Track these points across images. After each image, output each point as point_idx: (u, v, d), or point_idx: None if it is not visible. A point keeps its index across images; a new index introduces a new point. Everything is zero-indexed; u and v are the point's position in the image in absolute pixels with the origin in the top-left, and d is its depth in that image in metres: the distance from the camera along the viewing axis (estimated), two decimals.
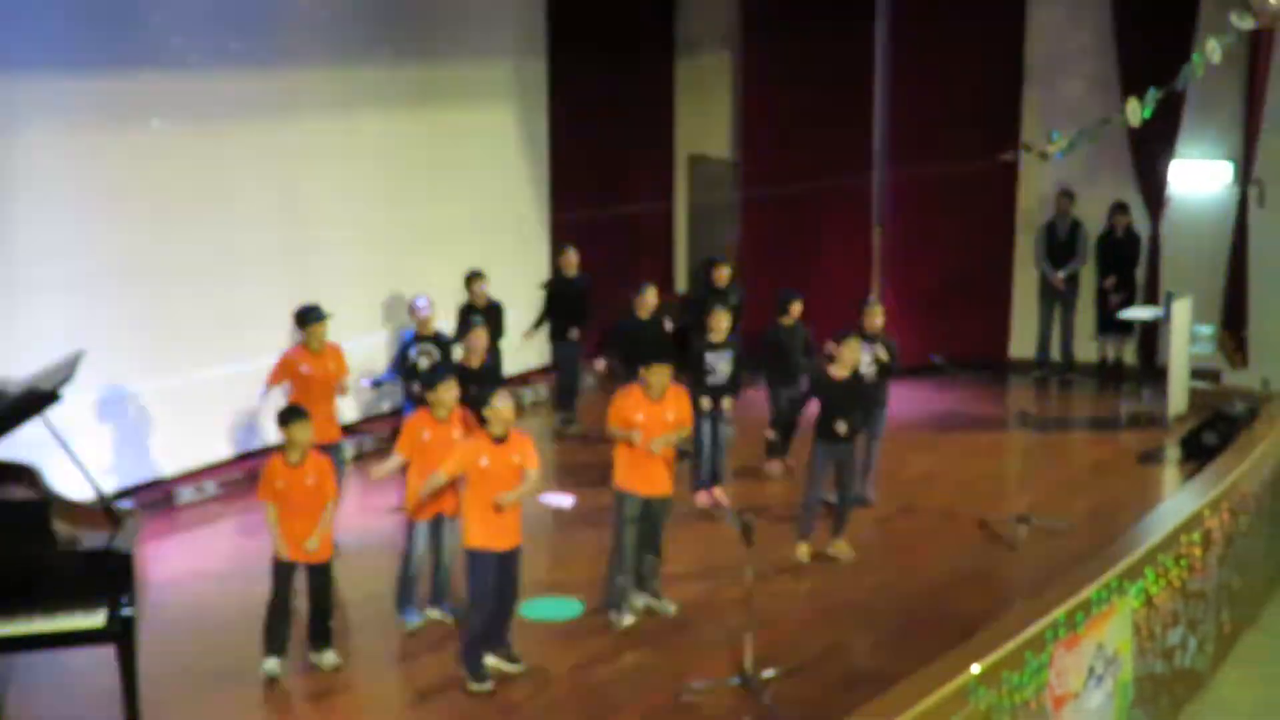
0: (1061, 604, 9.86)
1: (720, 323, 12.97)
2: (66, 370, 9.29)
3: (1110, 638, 10.38)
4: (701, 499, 12.84)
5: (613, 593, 10.71)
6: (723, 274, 14.94)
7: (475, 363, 12.45)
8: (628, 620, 10.61)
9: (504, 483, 9.61)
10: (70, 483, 9.63)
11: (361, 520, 12.77)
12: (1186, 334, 15.32)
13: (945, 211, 17.34)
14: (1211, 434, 13.99)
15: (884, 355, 12.72)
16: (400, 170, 15.61)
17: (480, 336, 12.50)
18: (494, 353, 13.60)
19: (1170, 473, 14.01)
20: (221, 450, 13.94)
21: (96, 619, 8.59)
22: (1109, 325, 16.75)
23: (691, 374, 12.82)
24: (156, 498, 13.21)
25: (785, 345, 13.66)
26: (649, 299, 14.12)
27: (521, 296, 16.19)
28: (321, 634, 10.07)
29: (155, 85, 13.10)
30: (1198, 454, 13.92)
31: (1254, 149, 16.03)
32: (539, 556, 11.47)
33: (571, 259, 15.42)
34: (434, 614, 10.77)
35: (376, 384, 13.78)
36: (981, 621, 10.01)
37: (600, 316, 15.43)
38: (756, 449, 13.97)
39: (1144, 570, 10.85)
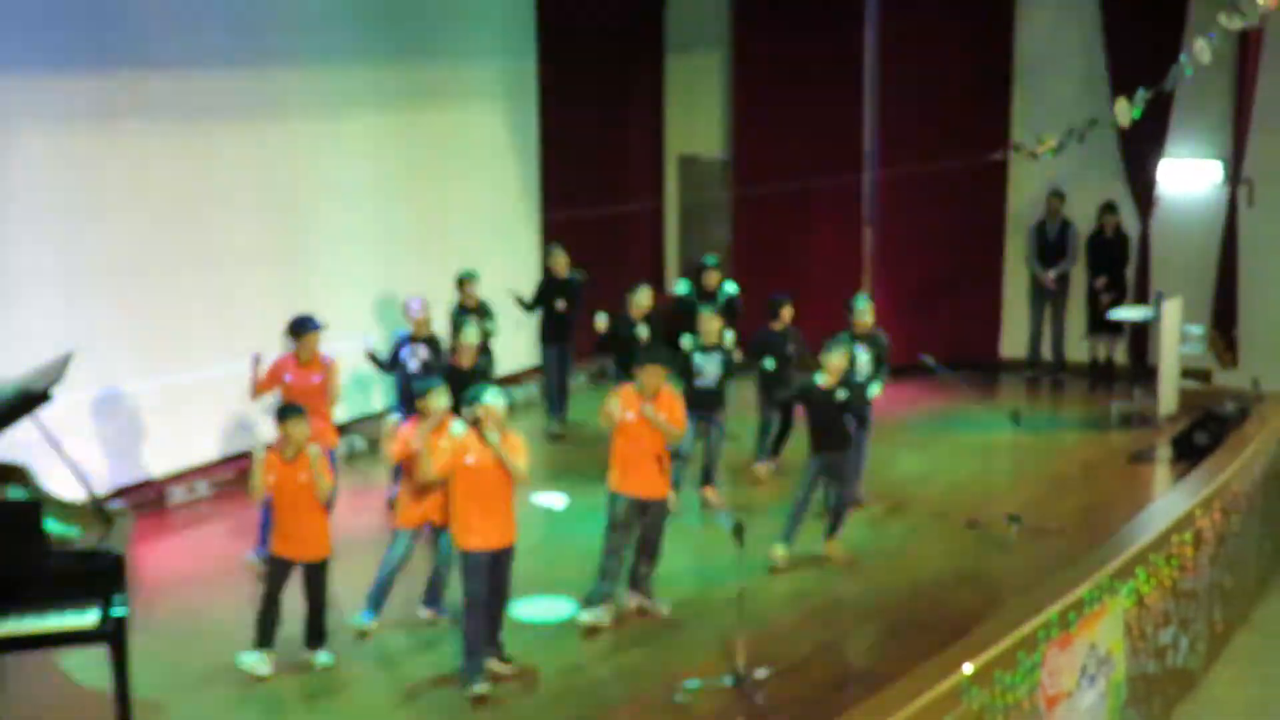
0: (1053, 603, 9.88)
1: (710, 326, 12.98)
2: (57, 370, 9.28)
3: (1102, 637, 10.41)
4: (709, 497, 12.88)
5: (593, 591, 10.70)
6: (713, 277, 14.95)
7: (466, 363, 12.46)
8: (598, 616, 10.58)
9: (492, 480, 9.59)
10: (62, 483, 9.62)
11: (354, 520, 12.75)
12: (1177, 333, 15.34)
13: (936, 211, 17.36)
14: (1202, 433, 14.01)
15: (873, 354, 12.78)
16: (390, 170, 15.60)
17: (471, 337, 12.52)
18: (486, 354, 13.60)
19: (1161, 472, 14.03)
20: (213, 451, 13.93)
21: (89, 619, 8.58)
22: (1100, 325, 16.77)
23: (683, 376, 12.84)
24: (148, 498, 13.19)
25: (775, 349, 13.66)
26: (642, 300, 14.12)
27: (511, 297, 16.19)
28: (316, 633, 10.07)
29: (145, 84, 13.08)
30: (1189, 453, 13.94)
31: (1243, 148, 16.07)
32: (530, 557, 11.43)
33: (560, 259, 15.40)
34: (426, 614, 10.77)
35: (372, 354, 13.49)
36: (974, 621, 10.03)
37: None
38: (747, 450, 13.99)
39: (1135, 570, 10.88)
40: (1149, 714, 11.28)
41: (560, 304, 15.21)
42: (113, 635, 8.61)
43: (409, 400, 11.65)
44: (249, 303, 13.89)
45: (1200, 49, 12.93)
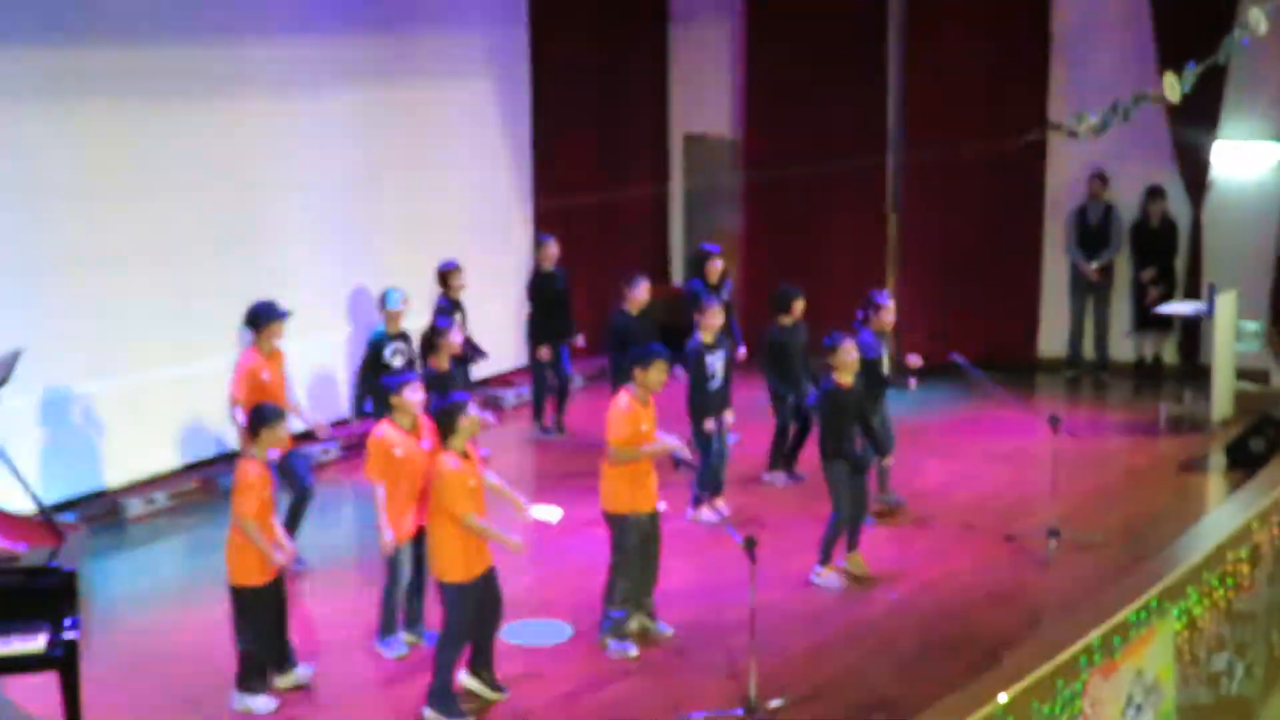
0: (1096, 626, 9.86)
1: (714, 321, 12.98)
2: (3, 370, 9.28)
3: (1150, 663, 10.40)
4: (704, 514, 12.84)
5: (613, 622, 10.68)
6: (715, 267, 14.95)
7: (444, 365, 12.43)
8: (633, 652, 10.59)
9: (480, 502, 9.70)
10: (7, 493, 9.61)
11: (325, 536, 12.75)
12: (1231, 330, 15.35)
13: (966, 196, 17.36)
14: (1259, 440, 14.01)
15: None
16: (366, 152, 15.59)
17: (455, 335, 12.54)
18: (464, 357, 13.59)
19: (1215, 482, 14.05)
20: (173, 459, 13.93)
21: (36, 644, 8.57)
22: (1147, 321, 16.78)
23: (692, 379, 12.85)
24: (102, 510, 13.19)
25: (788, 347, 13.66)
26: (641, 293, 14.12)
27: (500, 291, 16.19)
28: (286, 652, 10.08)
29: (95, 59, 13.06)
30: (1244, 461, 13.94)
31: None
32: (521, 575, 11.48)
33: (551, 252, 15.39)
34: (409, 638, 10.77)
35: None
36: (1008, 645, 10.04)
37: (590, 313, 15.43)
38: (757, 458, 14.00)
39: (1186, 589, 10.86)
40: None
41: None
42: (63, 661, 8.60)
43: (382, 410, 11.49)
44: (208, 297, 13.85)
45: (1256, 18, 12.93)
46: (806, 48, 17.59)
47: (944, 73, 17.23)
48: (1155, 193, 16.71)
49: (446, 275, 14.51)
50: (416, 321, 13.60)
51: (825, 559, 11.76)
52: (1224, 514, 12.23)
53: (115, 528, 13.16)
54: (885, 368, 12.88)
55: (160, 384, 13.63)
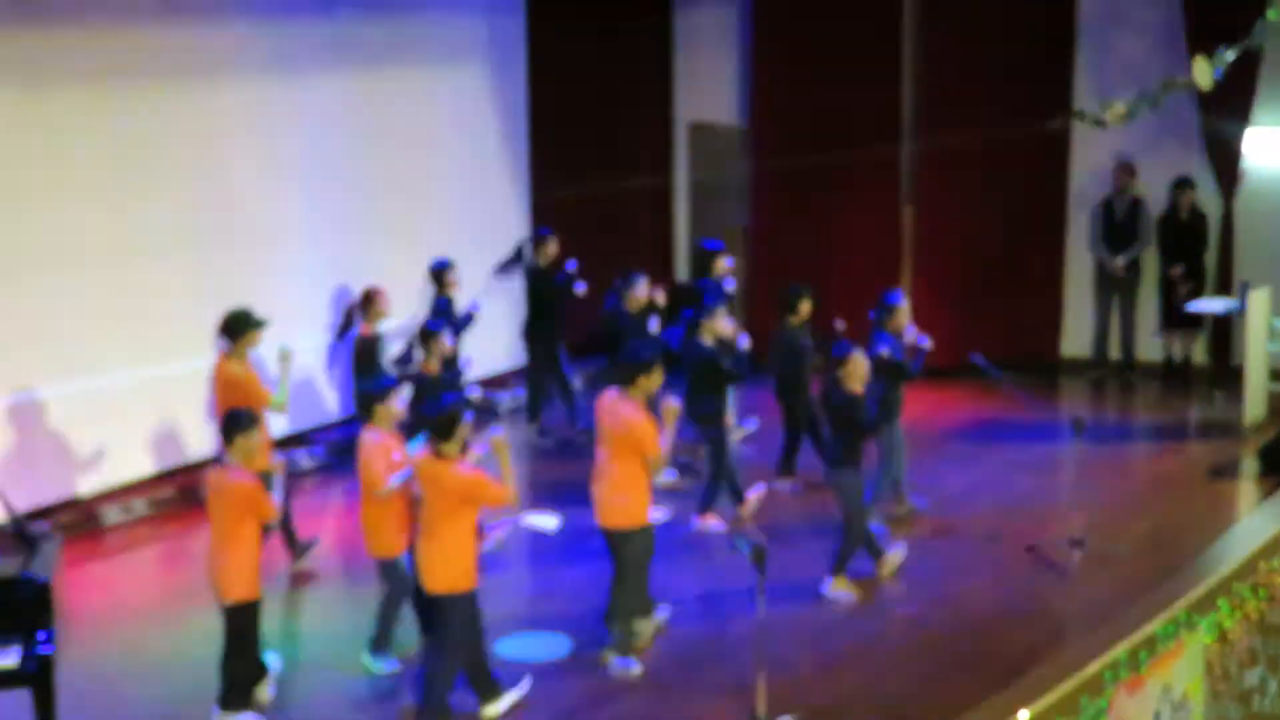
0: (1122, 640, 9.90)
1: (719, 323, 13.03)
2: None
3: (1178, 679, 10.43)
4: (710, 523, 12.88)
5: (624, 639, 10.69)
6: (720, 263, 14.97)
7: (435, 369, 12.49)
8: (636, 671, 10.61)
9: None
10: None
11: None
12: (1265, 329, 15.37)
13: (986, 187, 17.37)
14: None
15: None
16: (351, 142, 15.60)
17: (448, 339, 12.61)
18: (455, 359, 13.64)
19: (1246, 489, 14.06)
20: (149, 465, 13.96)
21: (9, 658, 8.62)
22: (1175, 319, 16.79)
23: (694, 382, 12.89)
24: (77, 519, 13.22)
25: (797, 349, 13.69)
26: (639, 291, 14.15)
27: (495, 289, 16.22)
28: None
29: (61, 40, 13.02)
30: (1277, 467, 13.96)
31: None
32: (517, 587, 11.52)
33: (550, 249, 15.42)
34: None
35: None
36: (1030, 660, 10.07)
37: (590, 311, 15.45)
38: (765, 465, 14.04)
39: (1217, 601, 10.90)
40: None
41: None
42: (37, 676, 8.64)
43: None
44: (185, 296, 13.88)
45: None
46: (817, 31, 17.59)
47: (962, 57, 17.24)
48: (1184, 184, 16.72)
49: (440, 274, 14.54)
50: (397, 323, 13.67)
51: (837, 570, 11.79)
52: (1256, 522, 12.27)
53: (91, 537, 13.18)
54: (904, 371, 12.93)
55: (137, 387, 13.65)
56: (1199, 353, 17.11)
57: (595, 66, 17.87)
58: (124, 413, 13.63)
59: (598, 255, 16.37)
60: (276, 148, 14.88)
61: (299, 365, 14.30)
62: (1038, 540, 12.73)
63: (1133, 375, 17.28)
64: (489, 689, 9.92)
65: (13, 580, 8.75)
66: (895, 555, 12.02)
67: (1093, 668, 9.59)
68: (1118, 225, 17.05)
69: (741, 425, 14.59)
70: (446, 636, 9.74)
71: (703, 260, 15.22)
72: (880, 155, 17.39)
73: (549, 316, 15.41)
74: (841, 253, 17.57)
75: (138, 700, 10.22)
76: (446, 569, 9.68)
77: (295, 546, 12.25)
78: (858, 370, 11.66)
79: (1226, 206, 16.75)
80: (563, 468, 14.67)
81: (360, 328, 13.67)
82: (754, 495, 13.15)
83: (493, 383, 16.72)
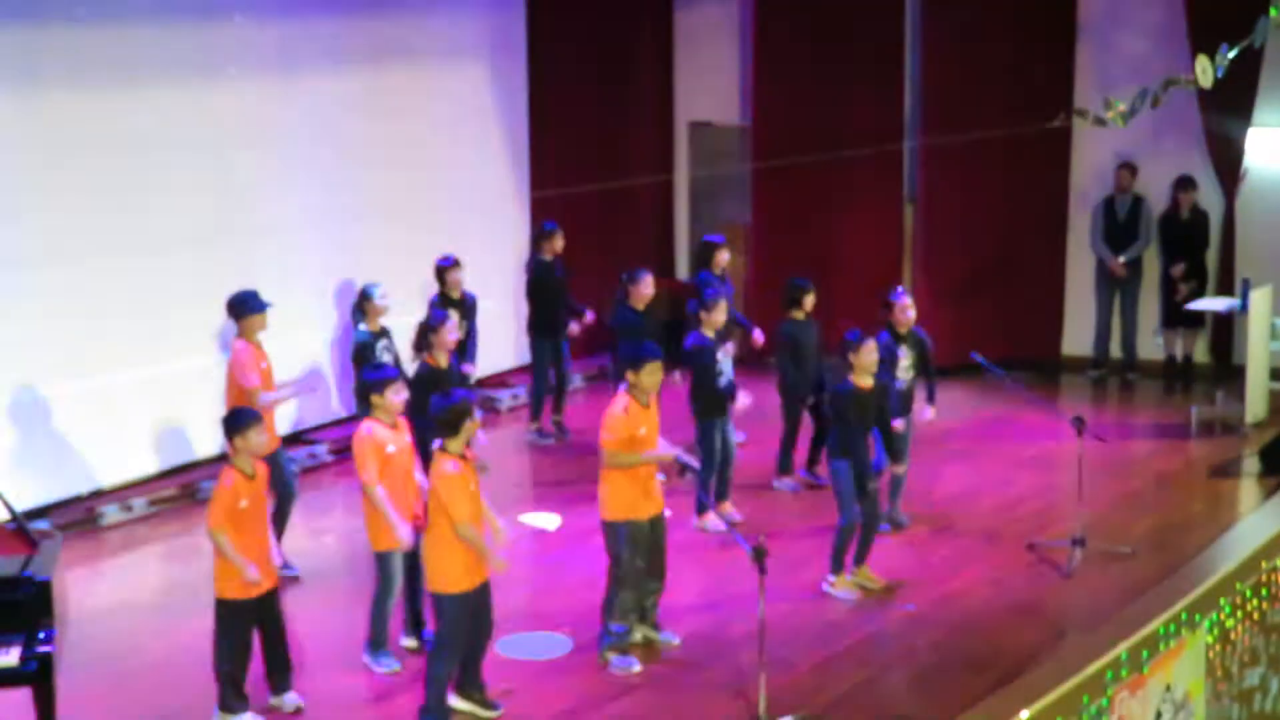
0: (1123, 640, 9.90)
1: (720, 317, 13.04)
2: None
3: (1179, 678, 10.43)
4: (710, 521, 12.87)
5: (615, 637, 10.70)
6: (722, 258, 14.96)
7: (441, 362, 12.48)
8: (635, 668, 10.61)
9: (479, 507, 9.74)
10: None
11: (311, 543, 12.80)
12: (1266, 328, 15.36)
13: (987, 186, 17.37)
14: None
15: (915, 357, 12.82)
16: (354, 139, 15.60)
17: (452, 331, 12.59)
18: (461, 353, 13.60)
19: (1247, 487, 14.05)
20: (151, 463, 13.96)
21: (9, 658, 8.60)
22: (1177, 318, 16.79)
23: (701, 378, 12.90)
24: (77, 517, 13.21)
25: (801, 343, 13.68)
26: (645, 287, 14.14)
27: (496, 286, 16.21)
28: (282, 671, 10.08)
29: (60, 37, 13.04)
30: (1279, 467, 13.96)
31: None
32: (517, 586, 11.51)
33: (557, 243, 15.41)
34: (411, 644, 10.81)
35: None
36: (1031, 660, 10.06)
37: (590, 309, 15.44)
38: (766, 462, 14.03)
39: (1218, 600, 10.90)
40: None
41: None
42: (37, 675, 8.63)
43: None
44: (187, 294, 13.87)
45: None
46: (819, 29, 17.58)
47: (964, 55, 17.22)
48: (1186, 183, 16.71)
49: (444, 271, 14.53)
50: (400, 319, 13.66)
51: (837, 568, 11.78)
52: (1258, 521, 12.28)
53: (91, 535, 13.18)
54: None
55: (138, 385, 13.65)
56: (1200, 351, 17.11)
57: (595, 66, 17.87)
58: (125, 411, 13.63)
59: (598, 252, 16.36)
60: (278, 146, 14.88)
61: (298, 366, 14.32)
62: (1038, 539, 12.73)
63: (1134, 374, 17.28)
64: (470, 687, 9.89)
65: (13, 579, 8.74)
66: (848, 585, 11.92)
67: (1094, 667, 9.59)
68: (1119, 224, 17.05)
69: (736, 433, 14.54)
70: (441, 634, 9.73)
71: (703, 253, 15.22)
72: (881, 153, 17.36)
73: (553, 310, 15.40)
74: (842, 250, 17.57)
75: (138, 700, 10.21)
76: (444, 567, 9.67)
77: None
78: (864, 360, 11.63)
79: (1228, 205, 16.75)
80: (563, 467, 14.69)
81: (358, 325, 13.64)
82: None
83: (493, 382, 16.71)
